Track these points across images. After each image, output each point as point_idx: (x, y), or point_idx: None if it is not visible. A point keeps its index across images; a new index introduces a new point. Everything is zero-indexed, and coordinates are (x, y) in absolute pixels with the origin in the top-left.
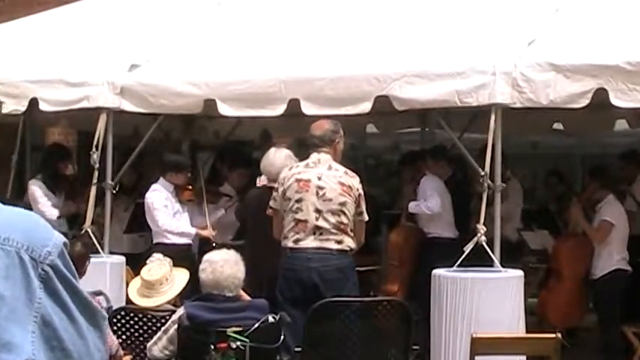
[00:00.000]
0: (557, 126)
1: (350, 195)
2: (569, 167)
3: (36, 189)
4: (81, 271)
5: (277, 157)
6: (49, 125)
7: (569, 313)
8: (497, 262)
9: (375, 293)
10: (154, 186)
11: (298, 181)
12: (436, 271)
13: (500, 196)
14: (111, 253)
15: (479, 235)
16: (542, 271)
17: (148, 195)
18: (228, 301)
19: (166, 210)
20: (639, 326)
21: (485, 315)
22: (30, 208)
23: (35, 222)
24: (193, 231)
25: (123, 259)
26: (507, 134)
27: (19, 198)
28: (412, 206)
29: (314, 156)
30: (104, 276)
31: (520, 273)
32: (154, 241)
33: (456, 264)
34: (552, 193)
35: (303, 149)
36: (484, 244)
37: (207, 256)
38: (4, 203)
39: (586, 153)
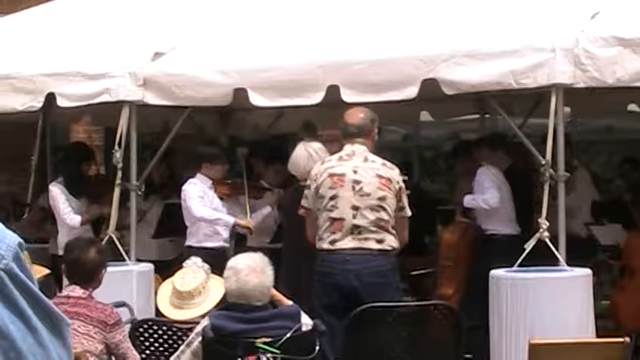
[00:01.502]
0: (633, 107)
1: (389, 188)
2: None
3: (57, 193)
4: (96, 281)
5: (302, 154)
6: (72, 122)
7: None
8: (562, 260)
9: (430, 298)
10: (190, 180)
11: (332, 175)
12: (494, 272)
13: (567, 187)
14: (138, 260)
15: (541, 230)
16: (616, 269)
17: (183, 188)
18: (256, 310)
19: (202, 200)
20: None
21: (549, 320)
22: (49, 212)
23: None
24: (232, 220)
25: (151, 266)
26: (578, 118)
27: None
28: (468, 200)
29: (347, 147)
30: (130, 286)
31: (588, 272)
32: (186, 243)
33: (517, 263)
34: (627, 182)
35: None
36: (547, 240)
37: (231, 262)
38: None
39: None
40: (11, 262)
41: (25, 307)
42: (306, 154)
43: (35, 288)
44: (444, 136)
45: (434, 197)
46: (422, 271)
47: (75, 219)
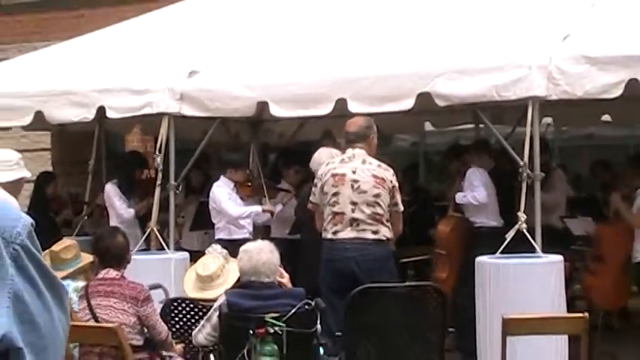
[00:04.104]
0: (606, 118)
1: (383, 187)
2: (623, 157)
3: (111, 192)
4: (125, 261)
5: (322, 155)
6: (126, 133)
7: (613, 295)
8: (538, 248)
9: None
10: (215, 183)
11: (334, 175)
12: (480, 258)
13: (547, 186)
14: (182, 249)
15: (519, 222)
16: (588, 256)
17: (212, 191)
18: (265, 287)
19: (230, 202)
20: None
21: (526, 299)
22: (105, 209)
23: (4, 207)
24: (258, 207)
25: (187, 255)
26: (563, 126)
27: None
28: (459, 197)
29: (349, 151)
30: (169, 271)
31: (560, 258)
32: (216, 237)
33: (499, 251)
34: (600, 182)
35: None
36: (525, 231)
37: (243, 247)
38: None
39: (635, 143)
40: (26, 239)
41: (36, 277)
42: (328, 154)
43: (43, 261)
44: (445, 143)
45: (434, 195)
46: (422, 257)
47: (129, 212)
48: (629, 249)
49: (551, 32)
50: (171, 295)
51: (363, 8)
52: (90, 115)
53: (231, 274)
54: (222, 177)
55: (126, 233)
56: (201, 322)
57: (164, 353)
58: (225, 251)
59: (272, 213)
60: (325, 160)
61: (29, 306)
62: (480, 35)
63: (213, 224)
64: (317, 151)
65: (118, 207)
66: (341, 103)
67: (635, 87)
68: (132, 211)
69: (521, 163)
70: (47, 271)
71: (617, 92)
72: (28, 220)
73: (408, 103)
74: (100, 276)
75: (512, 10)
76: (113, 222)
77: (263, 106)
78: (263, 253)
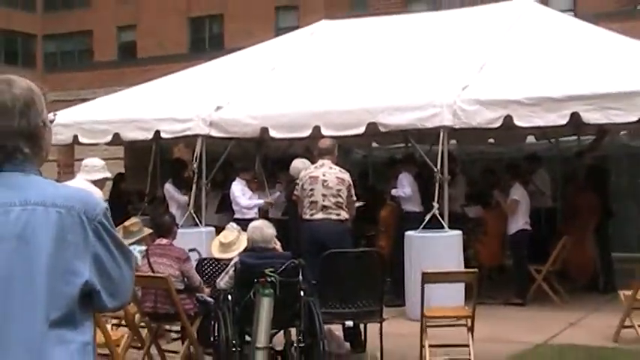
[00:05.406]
0: (491, 140)
1: (343, 184)
2: (502, 167)
3: (169, 188)
4: (172, 232)
5: (296, 164)
6: (174, 147)
7: (494, 257)
8: (446, 226)
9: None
10: (233, 182)
11: (310, 177)
12: (408, 233)
13: (452, 184)
14: (207, 225)
15: (434, 209)
16: (478, 231)
17: (231, 187)
18: (266, 251)
19: (243, 196)
20: (538, 265)
21: (438, 260)
22: (164, 200)
23: (88, 194)
24: (261, 201)
25: (213, 229)
26: (464, 145)
27: (153, 192)
28: (394, 192)
29: (320, 161)
30: (202, 240)
31: (460, 232)
32: (234, 217)
33: (420, 228)
34: (487, 182)
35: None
36: (437, 214)
37: (252, 224)
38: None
39: (511, 156)
40: (102, 218)
41: (110, 243)
42: (301, 163)
43: (116, 233)
44: (386, 156)
45: (378, 191)
46: (373, 233)
47: (184, 199)
48: (505, 227)
49: (455, 84)
50: (203, 256)
51: (331, 65)
52: (149, 135)
53: (242, 242)
54: (237, 177)
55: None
56: (222, 274)
57: (197, 294)
58: (239, 227)
59: (271, 204)
60: (298, 166)
61: (105, 263)
62: (409, 84)
63: (231, 208)
64: (293, 161)
65: (175, 197)
66: (316, 129)
67: (509, 120)
68: (185, 198)
69: (436, 170)
70: (118, 240)
71: (498, 123)
72: (104, 204)
73: (360, 129)
74: (155, 242)
75: (431, 68)
76: (173, 208)
77: (264, 130)
78: (265, 228)
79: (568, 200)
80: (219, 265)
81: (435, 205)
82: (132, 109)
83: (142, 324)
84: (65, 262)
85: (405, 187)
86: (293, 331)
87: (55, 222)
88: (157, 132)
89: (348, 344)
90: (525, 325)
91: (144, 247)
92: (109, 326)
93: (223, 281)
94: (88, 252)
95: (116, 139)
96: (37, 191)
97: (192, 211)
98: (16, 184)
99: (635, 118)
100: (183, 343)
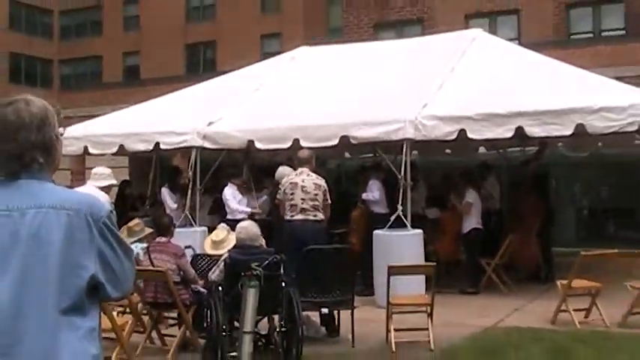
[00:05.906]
0: (448, 151)
1: (319, 189)
2: (457, 173)
3: (166, 192)
4: (170, 231)
5: (281, 170)
6: (172, 157)
7: (451, 253)
8: (409, 226)
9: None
10: (226, 187)
11: (291, 183)
12: (376, 232)
13: (414, 190)
14: (201, 225)
15: (398, 211)
16: (437, 230)
17: (224, 191)
18: (252, 248)
19: (234, 199)
20: (488, 259)
21: (402, 255)
22: (161, 204)
23: (94, 199)
24: (249, 209)
25: (206, 229)
26: (424, 155)
27: (154, 197)
28: (364, 196)
29: (299, 169)
30: (196, 239)
31: (421, 231)
32: (226, 218)
33: (386, 227)
34: (444, 188)
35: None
36: (401, 215)
37: (240, 225)
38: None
39: (465, 165)
40: (107, 220)
41: (113, 241)
42: (285, 169)
43: (118, 231)
44: (357, 165)
45: (350, 195)
46: (344, 230)
47: (174, 205)
48: (460, 226)
49: (417, 102)
50: (197, 252)
51: (309, 86)
52: (150, 147)
53: (232, 240)
54: (229, 183)
55: (174, 215)
56: (214, 267)
57: (192, 286)
58: (228, 227)
59: (258, 213)
60: (283, 172)
61: (108, 259)
62: (376, 102)
63: (222, 210)
64: (278, 169)
65: (168, 202)
66: (296, 141)
67: (463, 134)
68: (175, 204)
69: (400, 177)
70: (121, 239)
71: (453, 136)
72: (109, 207)
73: (334, 142)
74: (156, 240)
75: (396, 88)
76: (167, 210)
77: (251, 142)
78: (251, 227)
79: (514, 203)
80: (211, 260)
81: (400, 207)
82: (135, 124)
83: (144, 311)
84: (74, 257)
85: (374, 191)
86: (276, 317)
87: (65, 223)
88: (157, 144)
89: (323, 329)
90: (477, 311)
91: (145, 245)
92: (115, 313)
93: (215, 274)
94: (94, 249)
95: (121, 150)
96: (50, 196)
97: (188, 213)
98: (32, 191)
99: (570, 132)
100: (179, 329)
